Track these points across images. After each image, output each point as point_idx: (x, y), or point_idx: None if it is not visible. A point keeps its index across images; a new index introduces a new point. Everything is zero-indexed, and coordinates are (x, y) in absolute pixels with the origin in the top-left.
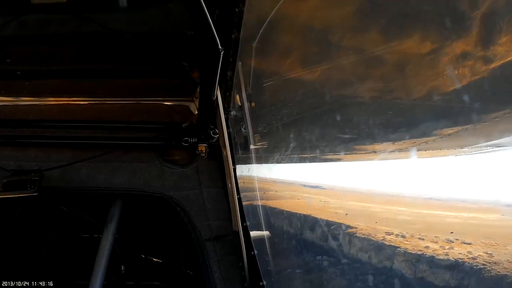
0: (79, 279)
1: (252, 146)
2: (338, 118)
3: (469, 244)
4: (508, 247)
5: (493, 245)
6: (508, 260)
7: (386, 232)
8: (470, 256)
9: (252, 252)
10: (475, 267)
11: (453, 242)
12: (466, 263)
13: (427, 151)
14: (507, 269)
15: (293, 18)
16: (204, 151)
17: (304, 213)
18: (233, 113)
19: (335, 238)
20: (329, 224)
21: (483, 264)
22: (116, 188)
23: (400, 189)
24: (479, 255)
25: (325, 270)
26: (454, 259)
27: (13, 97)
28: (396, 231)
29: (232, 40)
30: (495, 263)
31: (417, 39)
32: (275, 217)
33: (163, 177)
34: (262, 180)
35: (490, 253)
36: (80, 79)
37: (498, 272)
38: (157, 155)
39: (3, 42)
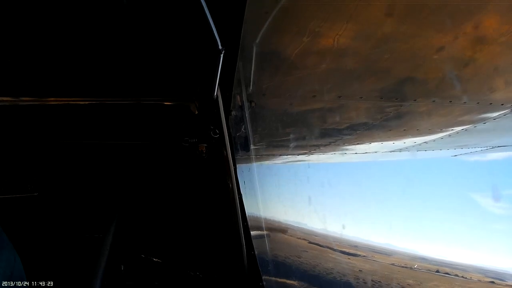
0: (79, 279)
1: (252, 146)
2: (338, 118)
3: None
4: None
5: None
6: None
7: None
8: None
9: (252, 252)
10: None
11: None
12: None
13: None
14: None
15: (293, 18)
16: (204, 151)
17: None
18: (233, 113)
19: None
20: None
21: None
22: (117, 188)
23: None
24: None
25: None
26: None
27: (13, 97)
28: None
29: (232, 39)
30: None
31: (416, 41)
32: None
33: (163, 177)
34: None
35: None
36: (80, 79)
37: None
38: (157, 155)
39: (3, 42)
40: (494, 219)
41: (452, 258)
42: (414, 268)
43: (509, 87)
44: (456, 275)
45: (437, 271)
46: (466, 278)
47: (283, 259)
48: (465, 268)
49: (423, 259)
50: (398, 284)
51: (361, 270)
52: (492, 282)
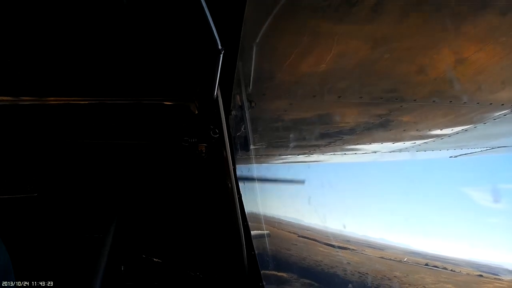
0: (79, 279)
1: (252, 146)
2: (338, 118)
3: None
4: None
5: None
6: None
7: None
8: None
9: (252, 252)
10: None
11: None
12: None
13: None
14: None
15: (293, 18)
16: (204, 151)
17: None
18: (233, 113)
19: None
20: None
21: None
22: (116, 188)
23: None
24: None
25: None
26: None
27: (13, 97)
28: None
29: (232, 39)
30: None
31: (416, 41)
32: None
33: (163, 177)
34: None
35: None
36: (80, 79)
37: None
38: (157, 155)
39: (3, 42)
40: (490, 214)
41: (446, 253)
42: (404, 261)
43: (509, 87)
44: (445, 268)
45: (426, 265)
46: (454, 271)
47: (276, 253)
48: (457, 262)
49: (415, 253)
50: (385, 276)
51: (349, 263)
52: (480, 275)
